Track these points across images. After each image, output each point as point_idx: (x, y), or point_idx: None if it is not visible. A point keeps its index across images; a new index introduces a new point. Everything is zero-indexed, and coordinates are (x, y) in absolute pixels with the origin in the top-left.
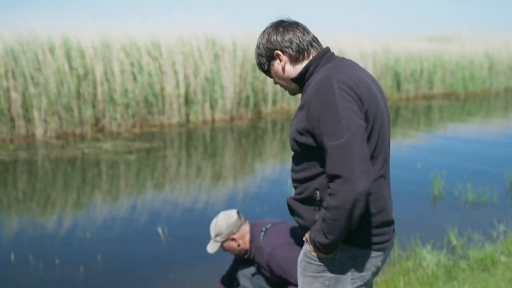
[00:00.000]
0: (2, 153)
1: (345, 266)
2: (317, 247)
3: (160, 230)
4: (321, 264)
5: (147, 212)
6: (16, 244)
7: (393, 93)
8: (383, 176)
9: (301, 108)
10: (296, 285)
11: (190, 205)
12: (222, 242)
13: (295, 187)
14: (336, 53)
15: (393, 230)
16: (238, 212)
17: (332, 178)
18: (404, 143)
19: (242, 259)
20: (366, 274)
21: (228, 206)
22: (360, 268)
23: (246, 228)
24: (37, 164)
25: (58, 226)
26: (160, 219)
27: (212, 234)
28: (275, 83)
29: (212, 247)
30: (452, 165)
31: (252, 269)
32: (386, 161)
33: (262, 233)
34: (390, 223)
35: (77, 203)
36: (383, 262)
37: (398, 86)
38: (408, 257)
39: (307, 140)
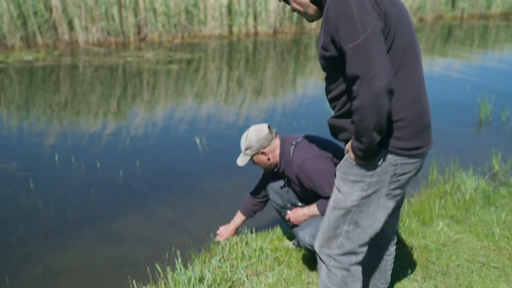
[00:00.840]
0: (47, 59)
1: (385, 172)
2: (356, 153)
3: (197, 141)
4: (363, 169)
5: (186, 122)
6: (60, 147)
7: (447, 11)
8: (419, 80)
9: (322, 25)
10: (326, 197)
11: (229, 117)
12: (252, 156)
13: (334, 107)
14: None
15: (431, 136)
16: (269, 126)
17: (352, 80)
18: (454, 64)
19: (272, 173)
20: (402, 178)
21: (266, 120)
22: (398, 173)
23: (276, 142)
24: (80, 70)
25: (100, 131)
26: (199, 130)
27: (243, 147)
28: (293, 10)
29: (242, 160)
30: (503, 90)
31: (281, 183)
32: (418, 65)
33: (293, 146)
34: (429, 127)
35: (119, 110)
36: (419, 168)
37: (453, 4)
38: (446, 180)
39: (332, 53)
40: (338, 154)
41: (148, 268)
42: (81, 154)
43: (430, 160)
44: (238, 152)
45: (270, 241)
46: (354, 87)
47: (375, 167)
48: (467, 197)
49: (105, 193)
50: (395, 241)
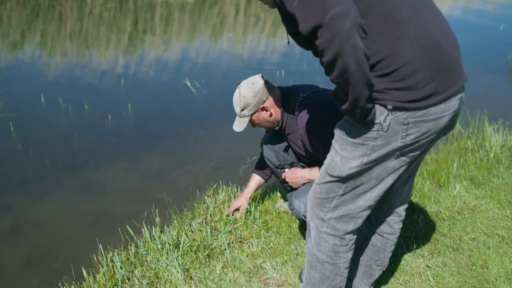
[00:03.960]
0: None
1: (394, 133)
2: (350, 116)
3: (198, 84)
4: (366, 129)
5: (191, 63)
6: (49, 84)
7: None
8: (424, 4)
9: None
10: None
11: (240, 58)
12: (251, 115)
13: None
14: None
15: (461, 74)
16: (262, 76)
17: (312, 35)
18: (487, 2)
19: (273, 132)
20: (420, 139)
21: (282, 64)
22: (412, 134)
23: (277, 93)
24: (88, 1)
25: (94, 69)
26: (201, 72)
27: (238, 108)
28: None
29: (239, 125)
30: None
31: (282, 144)
32: None
33: (298, 101)
34: (453, 66)
35: (119, 45)
36: (450, 123)
37: None
38: (470, 135)
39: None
40: None
41: (120, 229)
42: (70, 94)
43: None
44: None
45: (261, 202)
46: (317, 42)
47: (380, 127)
48: (491, 155)
49: (90, 139)
50: (402, 218)
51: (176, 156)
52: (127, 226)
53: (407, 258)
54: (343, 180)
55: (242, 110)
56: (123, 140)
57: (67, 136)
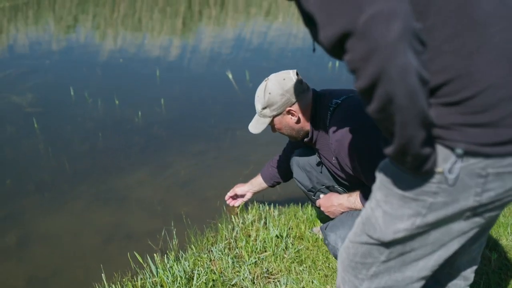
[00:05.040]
0: None
1: (464, 188)
2: (396, 162)
3: (247, 77)
4: (422, 179)
5: (241, 50)
6: (80, 77)
7: None
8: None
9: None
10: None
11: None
12: (274, 117)
13: None
14: None
15: None
16: (297, 73)
17: (337, 48)
18: None
19: (300, 144)
20: (502, 196)
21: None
22: (492, 190)
23: (309, 97)
24: None
25: (127, 59)
26: (249, 62)
27: (259, 105)
28: None
29: (257, 126)
30: None
31: (313, 159)
32: None
33: (331, 109)
34: None
35: (158, 29)
36: None
37: None
38: None
39: None
40: None
41: (132, 251)
42: (101, 86)
43: None
44: None
45: (295, 225)
46: (346, 57)
47: (443, 179)
48: None
49: (116, 139)
50: (469, 282)
51: (207, 161)
52: (135, 252)
53: None
54: (385, 244)
55: (264, 108)
56: (151, 141)
57: (92, 136)
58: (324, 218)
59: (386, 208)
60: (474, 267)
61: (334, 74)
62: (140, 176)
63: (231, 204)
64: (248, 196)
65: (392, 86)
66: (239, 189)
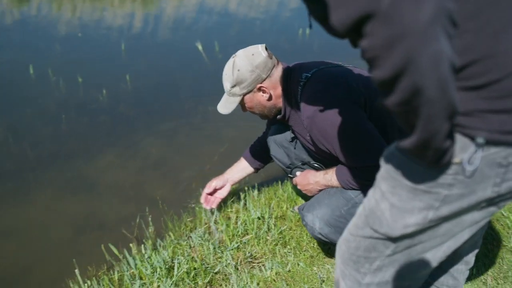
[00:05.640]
0: None
1: (483, 178)
2: (414, 156)
3: (217, 47)
4: (436, 171)
5: (208, 19)
6: (38, 52)
7: None
8: None
9: None
10: (349, 167)
11: (271, 13)
12: (244, 95)
13: None
14: None
15: None
16: (266, 48)
17: (354, 32)
18: None
19: (275, 121)
20: None
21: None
22: (510, 180)
23: (279, 72)
24: None
25: (88, 32)
26: (220, 31)
27: (228, 84)
28: None
29: (226, 105)
30: None
31: (287, 134)
32: None
33: (301, 83)
34: None
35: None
36: None
37: None
38: None
39: None
40: (375, 95)
41: (106, 241)
42: (60, 64)
43: None
44: None
45: (276, 205)
46: (364, 43)
47: (461, 169)
48: None
49: (81, 121)
50: (470, 266)
51: (179, 139)
52: (109, 244)
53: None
54: (393, 239)
55: (233, 86)
56: (118, 121)
57: (55, 118)
58: (305, 195)
59: (393, 200)
60: (476, 251)
61: (305, 44)
62: (108, 160)
63: (208, 207)
64: (227, 188)
65: (422, 78)
66: (216, 182)
